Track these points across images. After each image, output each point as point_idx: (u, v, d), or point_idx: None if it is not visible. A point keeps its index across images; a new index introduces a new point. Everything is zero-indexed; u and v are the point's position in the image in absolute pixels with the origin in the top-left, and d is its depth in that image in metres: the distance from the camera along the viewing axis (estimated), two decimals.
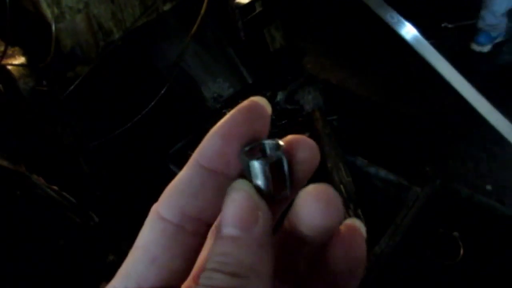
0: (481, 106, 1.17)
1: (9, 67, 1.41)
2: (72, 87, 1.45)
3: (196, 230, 0.25)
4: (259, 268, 0.22)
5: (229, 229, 0.22)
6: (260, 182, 0.24)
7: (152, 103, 1.56)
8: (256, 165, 0.24)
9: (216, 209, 0.24)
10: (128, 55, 1.55)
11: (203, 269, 0.22)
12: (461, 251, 1.39)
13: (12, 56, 1.43)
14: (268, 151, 0.26)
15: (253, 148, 0.25)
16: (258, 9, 1.72)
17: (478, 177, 1.66)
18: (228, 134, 0.25)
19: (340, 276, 0.25)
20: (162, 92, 1.59)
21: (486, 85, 1.70)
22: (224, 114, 0.27)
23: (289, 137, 0.27)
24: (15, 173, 1.29)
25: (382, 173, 1.61)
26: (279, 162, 0.25)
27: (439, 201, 1.51)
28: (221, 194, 0.24)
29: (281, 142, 0.25)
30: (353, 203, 1.52)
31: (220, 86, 1.77)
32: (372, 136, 1.81)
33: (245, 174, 0.25)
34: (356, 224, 0.27)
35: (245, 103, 0.26)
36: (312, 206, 0.24)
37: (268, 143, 0.26)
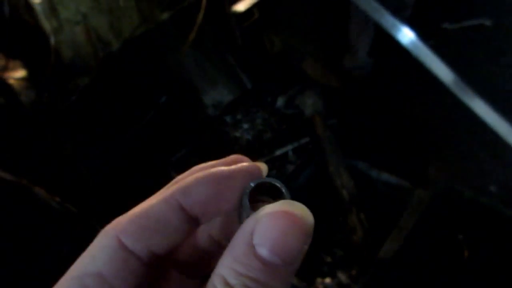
0: (479, 108, 1.17)
1: (11, 81, 1.43)
2: (73, 98, 1.46)
3: (151, 262, 0.23)
4: None
5: (271, 256, 0.20)
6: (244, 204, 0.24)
7: (152, 112, 1.57)
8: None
9: (175, 246, 0.24)
10: (128, 65, 1.56)
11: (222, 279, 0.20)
12: (466, 254, 1.38)
13: (13, 69, 1.44)
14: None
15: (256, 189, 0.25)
16: (256, 15, 1.72)
17: (481, 178, 1.65)
18: (223, 187, 0.23)
19: None
20: (162, 100, 1.59)
21: (486, 86, 1.69)
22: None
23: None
24: (17, 185, 1.30)
25: (384, 176, 1.61)
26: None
27: (443, 203, 1.50)
28: (185, 235, 0.24)
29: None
30: (355, 207, 1.51)
31: (219, 92, 1.77)
32: (374, 139, 1.80)
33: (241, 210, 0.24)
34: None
35: (245, 164, 0.25)
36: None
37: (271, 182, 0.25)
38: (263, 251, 0.20)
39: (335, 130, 1.74)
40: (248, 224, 0.21)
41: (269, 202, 0.22)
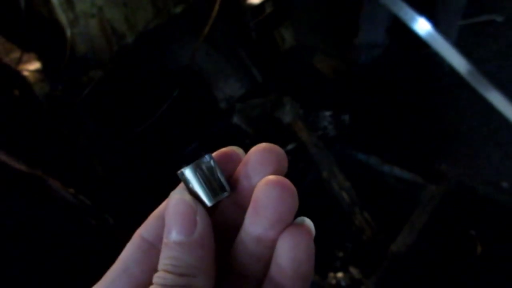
0: (495, 99, 1.16)
1: (25, 73, 1.43)
2: (87, 91, 1.47)
3: None
4: (203, 267, 0.25)
5: (173, 235, 0.25)
6: (196, 188, 0.26)
7: (165, 106, 1.57)
8: (188, 172, 0.27)
9: None
10: (141, 58, 1.56)
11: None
12: (478, 250, 1.38)
13: (28, 61, 1.45)
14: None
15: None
16: (269, 9, 1.72)
17: (493, 174, 1.64)
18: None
19: (284, 275, 0.26)
20: (175, 94, 1.60)
21: (498, 81, 1.68)
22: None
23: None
24: (31, 176, 1.31)
25: (397, 171, 1.60)
26: (209, 167, 0.27)
27: (455, 199, 1.49)
28: None
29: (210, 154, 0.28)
30: (358, 207, 1.50)
31: (231, 86, 1.77)
32: (386, 134, 1.80)
33: (187, 188, 0.27)
34: (305, 222, 0.26)
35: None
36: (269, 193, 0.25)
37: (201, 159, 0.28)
38: (170, 235, 0.26)
39: (346, 125, 1.74)
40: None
41: None
